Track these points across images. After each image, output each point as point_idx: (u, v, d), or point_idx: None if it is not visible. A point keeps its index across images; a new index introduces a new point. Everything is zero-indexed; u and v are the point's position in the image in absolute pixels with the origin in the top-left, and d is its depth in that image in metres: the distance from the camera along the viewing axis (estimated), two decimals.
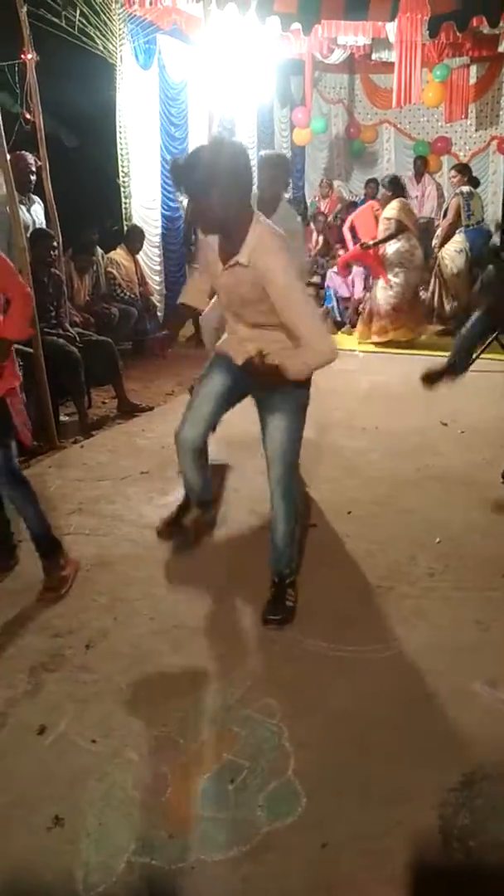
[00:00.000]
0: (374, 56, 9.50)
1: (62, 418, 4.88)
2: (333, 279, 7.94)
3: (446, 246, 7.45)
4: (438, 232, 7.88)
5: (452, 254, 7.39)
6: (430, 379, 4.17)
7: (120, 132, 7.23)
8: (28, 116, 5.06)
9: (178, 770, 2.07)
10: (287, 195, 4.09)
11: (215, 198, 2.26)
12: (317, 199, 10.09)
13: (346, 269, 7.76)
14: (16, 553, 3.21)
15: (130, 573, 3.11)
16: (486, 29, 7.87)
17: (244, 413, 2.77)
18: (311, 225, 8.86)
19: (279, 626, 2.69)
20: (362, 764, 2.08)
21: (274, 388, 2.51)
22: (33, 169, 5.25)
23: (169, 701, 2.34)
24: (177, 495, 3.78)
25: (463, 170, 8.09)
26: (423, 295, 7.64)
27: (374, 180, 9.99)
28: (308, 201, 10.66)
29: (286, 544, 2.75)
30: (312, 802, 1.96)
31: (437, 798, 1.94)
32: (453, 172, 8.20)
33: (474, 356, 4.22)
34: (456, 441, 4.38)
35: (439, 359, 4.29)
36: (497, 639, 2.60)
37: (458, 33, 7.66)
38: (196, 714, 2.28)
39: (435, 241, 7.74)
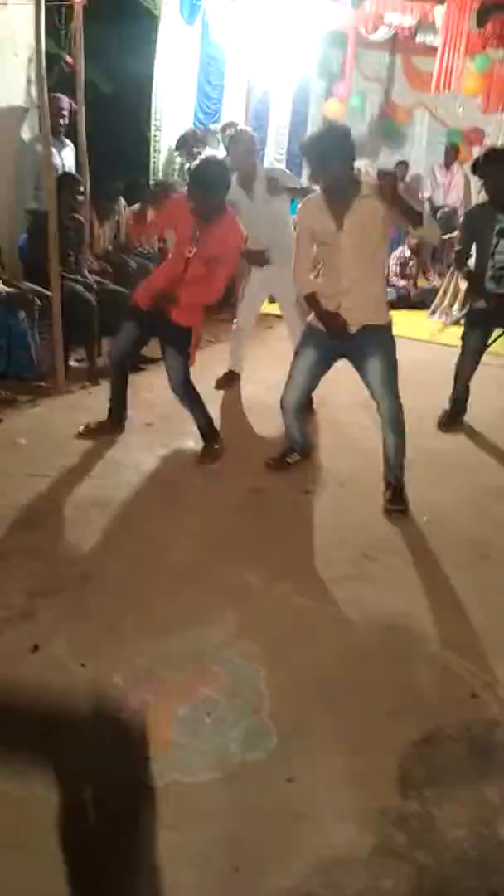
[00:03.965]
0: (417, 38, 9.41)
1: (71, 363, 4.95)
2: None
3: None
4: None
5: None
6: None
7: (156, 86, 7.19)
8: (69, 60, 5.06)
9: (159, 698, 2.19)
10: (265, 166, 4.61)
11: (338, 161, 2.99)
12: None
13: None
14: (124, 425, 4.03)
15: (128, 516, 3.22)
16: None
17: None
18: None
19: (402, 514, 3.38)
20: (332, 713, 2.20)
21: (369, 339, 3.24)
22: (66, 112, 5.26)
23: (157, 636, 2.46)
24: (177, 448, 3.90)
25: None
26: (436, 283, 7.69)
27: (403, 162, 9.95)
28: None
29: (398, 457, 3.43)
30: (282, 742, 2.09)
31: (398, 751, 2.07)
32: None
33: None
34: (458, 428, 4.47)
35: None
36: (467, 616, 2.72)
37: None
38: (180, 650, 2.40)
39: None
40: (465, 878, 1.73)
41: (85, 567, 2.80)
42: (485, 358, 4.39)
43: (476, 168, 4.07)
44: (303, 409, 3.58)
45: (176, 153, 7.12)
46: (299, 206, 3.35)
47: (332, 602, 2.73)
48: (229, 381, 4.95)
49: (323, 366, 3.44)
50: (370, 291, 3.25)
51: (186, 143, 6.87)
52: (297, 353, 3.50)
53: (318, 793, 1.93)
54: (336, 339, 3.27)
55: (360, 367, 3.36)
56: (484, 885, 1.71)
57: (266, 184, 4.35)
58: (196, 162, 3.87)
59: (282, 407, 3.57)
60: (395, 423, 3.37)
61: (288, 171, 4.95)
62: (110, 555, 2.91)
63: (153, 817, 1.81)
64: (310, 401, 4.04)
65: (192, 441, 3.95)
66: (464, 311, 7.12)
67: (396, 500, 3.44)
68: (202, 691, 2.23)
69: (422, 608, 2.74)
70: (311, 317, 3.41)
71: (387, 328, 3.31)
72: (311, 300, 3.33)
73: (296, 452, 3.80)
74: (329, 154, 3.00)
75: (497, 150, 4.07)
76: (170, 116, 7.35)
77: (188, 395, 3.79)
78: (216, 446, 3.87)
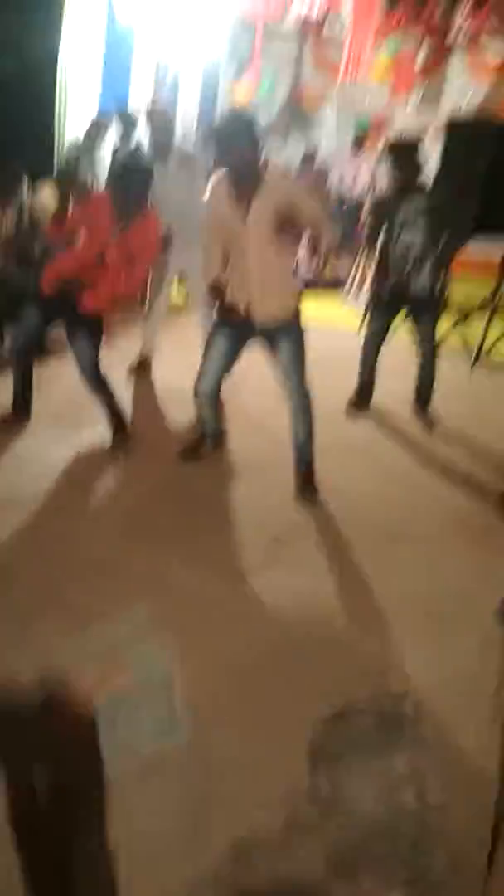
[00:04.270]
0: (325, 30, 9.50)
1: None
2: None
3: None
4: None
5: None
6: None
7: (61, 69, 7.01)
8: None
9: (68, 695, 2.16)
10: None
11: (243, 147, 2.98)
12: None
13: None
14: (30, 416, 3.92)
15: (38, 511, 3.16)
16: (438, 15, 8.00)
17: None
18: None
19: (311, 500, 3.45)
20: (245, 697, 2.25)
21: (278, 329, 3.27)
22: None
23: (71, 631, 2.41)
24: (88, 439, 3.84)
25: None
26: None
27: (311, 157, 10.05)
28: None
29: (308, 441, 3.49)
30: (197, 732, 2.07)
31: (309, 729, 2.12)
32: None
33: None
34: (366, 412, 4.57)
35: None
36: (377, 596, 2.80)
37: (416, 5, 7.68)
38: (92, 643, 2.37)
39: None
40: (376, 845, 1.80)
41: None
42: (392, 344, 4.50)
43: (387, 154, 4.16)
44: (217, 396, 3.59)
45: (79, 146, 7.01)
46: (208, 191, 3.33)
47: (244, 588, 2.76)
48: (142, 368, 4.91)
49: (234, 352, 3.45)
50: (278, 282, 3.26)
51: (97, 133, 6.77)
52: (208, 341, 3.50)
53: (233, 779, 1.96)
54: (244, 328, 3.30)
55: (269, 353, 3.40)
56: (393, 850, 1.78)
57: (180, 160, 4.45)
58: (119, 165, 3.92)
59: (196, 394, 3.56)
60: (302, 410, 3.42)
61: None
62: (22, 551, 2.86)
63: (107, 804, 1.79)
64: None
65: (103, 430, 3.90)
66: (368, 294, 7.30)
67: (307, 486, 3.51)
68: (116, 684, 2.22)
69: (332, 591, 2.81)
70: (217, 306, 3.42)
71: (296, 319, 3.34)
72: (216, 290, 3.32)
73: (208, 440, 3.81)
74: (233, 140, 3.00)
75: (402, 141, 4.17)
76: (75, 100, 7.19)
77: (98, 384, 3.73)
78: (124, 435, 3.84)
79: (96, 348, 3.65)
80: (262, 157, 3.14)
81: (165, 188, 4.29)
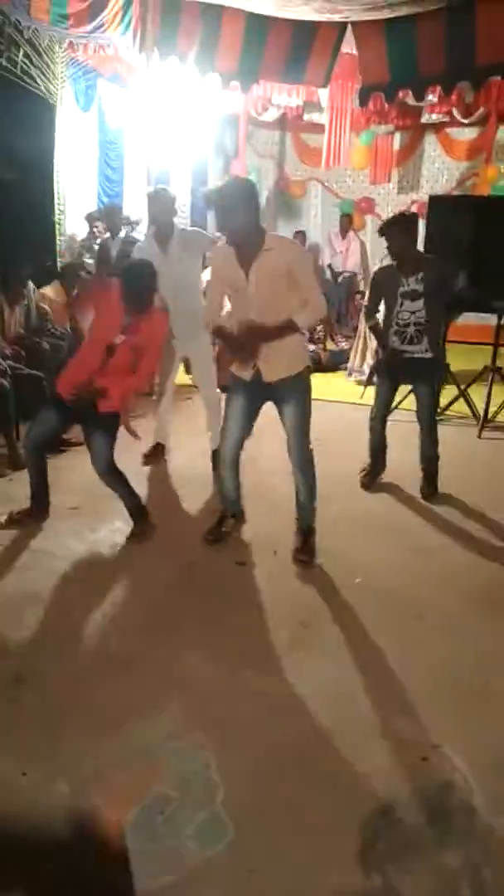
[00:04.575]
0: (305, 117, 9.97)
1: None
2: None
3: None
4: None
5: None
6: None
7: (57, 171, 7.33)
8: None
9: (108, 802, 2.11)
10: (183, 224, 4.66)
11: (244, 213, 3.10)
12: None
13: None
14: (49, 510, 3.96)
15: (61, 608, 3.13)
16: (410, 101, 8.42)
17: None
18: None
19: (310, 564, 3.51)
20: (287, 796, 2.16)
21: (285, 386, 3.37)
22: None
23: (100, 733, 2.37)
24: (106, 531, 3.84)
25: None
26: (344, 345, 7.96)
27: (301, 232, 10.40)
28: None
29: (309, 500, 3.57)
30: (239, 832, 2.03)
31: (357, 827, 2.05)
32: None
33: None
34: (378, 485, 4.58)
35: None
36: (409, 678, 2.74)
37: (386, 103, 8.15)
38: (127, 746, 2.33)
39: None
40: None
41: (18, 667, 2.69)
42: (401, 415, 4.56)
43: (381, 232, 4.29)
44: (237, 461, 3.62)
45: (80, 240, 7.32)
46: (211, 252, 3.45)
47: (274, 678, 2.70)
48: (156, 454, 4.94)
49: (250, 412, 3.52)
50: (282, 342, 3.29)
51: (98, 218, 7.12)
52: (226, 404, 3.57)
53: (280, 882, 1.89)
54: (255, 386, 3.39)
55: (278, 411, 3.49)
56: None
57: (181, 243, 4.49)
58: (128, 263, 4.03)
59: (218, 462, 3.70)
60: (304, 467, 3.50)
61: (201, 230, 5.14)
62: (44, 651, 2.81)
63: None
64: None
65: (121, 521, 3.90)
66: (372, 365, 7.43)
67: (304, 548, 3.58)
68: (152, 789, 2.16)
69: (362, 674, 2.75)
70: (233, 366, 3.49)
71: (303, 375, 3.42)
72: (218, 330, 3.41)
73: (229, 517, 3.82)
74: (232, 204, 3.10)
75: (400, 216, 4.32)
76: (73, 200, 7.50)
77: (114, 476, 3.76)
78: (146, 525, 3.84)
79: (111, 445, 3.69)
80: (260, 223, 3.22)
81: (169, 271, 4.40)
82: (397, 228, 4.20)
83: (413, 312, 4.23)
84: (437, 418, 4.57)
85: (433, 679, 2.72)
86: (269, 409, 3.55)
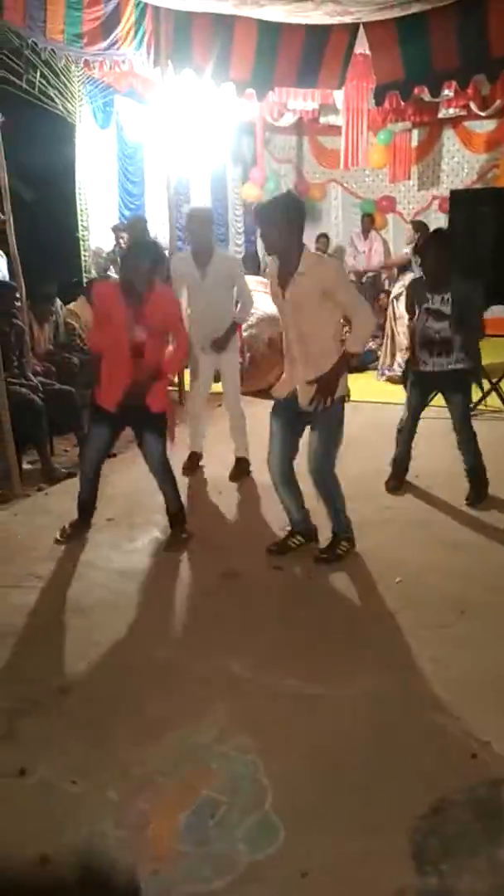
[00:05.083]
0: (321, 120, 9.99)
1: (25, 466, 4.92)
2: None
3: (401, 298, 7.58)
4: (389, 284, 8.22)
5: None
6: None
7: (79, 188, 7.44)
8: None
9: (158, 807, 2.13)
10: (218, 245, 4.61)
11: (278, 229, 3.15)
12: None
13: None
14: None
15: (103, 618, 3.16)
16: (426, 97, 8.39)
17: None
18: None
19: (326, 563, 3.53)
20: (335, 797, 2.16)
21: (322, 407, 3.32)
22: None
23: (146, 741, 2.39)
24: (143, 541, 3.88)
25: (419, 227, 8.48)
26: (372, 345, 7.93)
27: (324, 235, 10.39)
28: (261, 255, 11.00)
29: (332, 517, 3.61)
30: (290, 834, 2.03)
31: (408, 826, 2.03)
32: (409, 227, 8.59)
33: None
34: (408, 485, 4.56)
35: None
36: (453, 675, 2.72)
37: (402, 101, 8.13)
38: (173, 753, 2.34)
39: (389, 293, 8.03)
40: None
41: (65, 679, 2.73)
42: (429, 413, 4.53)
43: (415, 250, 4.30)
44: (288, 477, 3.60)
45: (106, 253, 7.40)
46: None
47: (317, 682, 2.70)
48: (193, 464, 4.96)
49: (293, 428, 3.51)
50: (319, 360, 3.29)
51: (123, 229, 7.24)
52: (270, 422, 3.58)
53: (334, 884, 1.88)
54: (294, 403, 3.42)
55: (310, 432, 3.48)
56: None
57: (218, 267, 4.48)
58: (122, 252, 4.02)
59: (241, 468, 3.73)
60: (319, 485, 3.52)
61: (236, 258, 5.12)
62: (90, 662, 2.85)
63: None
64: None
65: (158, 531, 3.93)
66: (402, 369, 7.39)
67: (326, 548, 3.64)
68: (202, 793, 2.18)
69: (409, 673, 2.74)
70: (273, 389, 3.59)
71: (338, 400, 3.38)
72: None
73: (298, 534, 3.74)
74: (267, 222, 3.18)
75: (435, 236, 4.32)
76: (95, 216, 7.59)
77: (168, 475, 3.83)
78: (183, 533, 3.87)
79: (164, 443, 3.76)
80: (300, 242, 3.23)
81: (205, 292, 4.45)
82: (429, 248, 4.22)
83: (438, 331, 4.18)
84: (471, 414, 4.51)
85: (478, 676, 2.70)
86: None
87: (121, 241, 7.53)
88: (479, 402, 5.93)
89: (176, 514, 3.87)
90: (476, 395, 4.95)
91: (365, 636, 3.00)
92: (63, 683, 2.70)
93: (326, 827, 2.06)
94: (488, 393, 5.96)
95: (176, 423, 3.93)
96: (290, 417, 3.47)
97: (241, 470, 4.77)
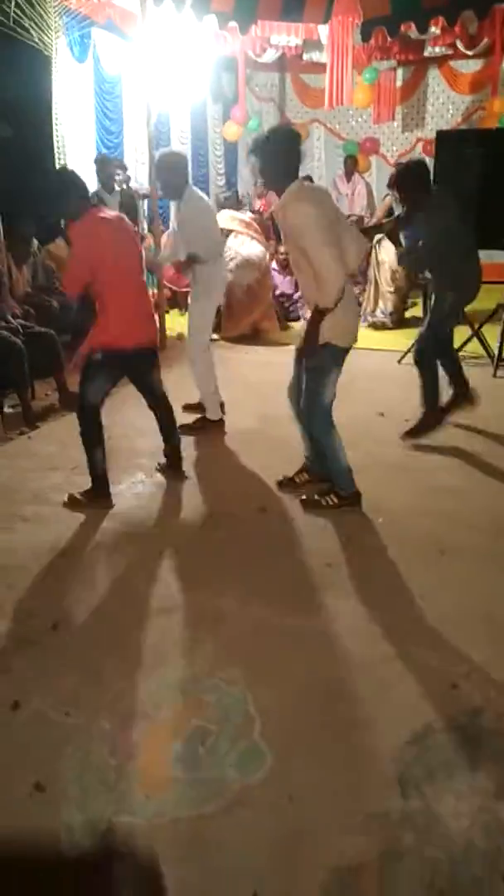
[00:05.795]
0: (305, 56, 9.71)
1: (6, 410, 4.88)
2: (274, 276, 7.94)
3: (384, 244, 7.51)
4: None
5: (391, 253, 7.47)
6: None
7: (56, 124, 7.20)
8: None
9: (150, 736, 2.19)
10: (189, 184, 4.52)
11: (265, 161, 3.16)
12: (251, 196, 10.22)
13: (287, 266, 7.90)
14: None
15: (91, 558, 3.19)
16: (413, 34, 8.18)
17: None
18: None
19: (306, 506, 3.60)
20: (322, 726, 2.24)
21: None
22: None
23: (137, 673, 2.45)
24: (126, 484, 3.88)
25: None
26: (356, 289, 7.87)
27: (308, 177, 10.17)
28: (241, 194, 10.78)
29: (327, 468, 3.61)
30: (277, 761, 2.10)
31: (393, 753, 2.11)
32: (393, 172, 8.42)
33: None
34: (395, 430, 4.58)
35: None
36: (435, 611, 2.80)
37: (388, 38, 7.92)
38: (164, 684, 2.40)
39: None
40: (476, 865, 1.79)
41: (55, 616, 2.76)
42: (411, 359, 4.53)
43: (389, 184, 4.24)
44: (299, 412, 3.63)
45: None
46: None
47: (303, 617, 2.76)
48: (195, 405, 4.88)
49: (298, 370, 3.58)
50: (310, 297, 3.30)
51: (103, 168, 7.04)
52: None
53: (320, 807, 1.96)
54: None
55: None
56: (495, 869, 1.77)
57: (189, 211, 4.41)
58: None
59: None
60: (309, 428, 3.60)
61: (206, 200, 5.00)
62: (80, 600, 2.88)
63: None
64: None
65: (142, 473, 3.94)
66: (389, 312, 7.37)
67: (312, 493, 3.68)
68: (192, 722, 2.24)
69: (389, 610, 2.81)
70: None
71: (319, 348, 3.29)
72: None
73: (305, 472, 3.85)
74: (259, 155, 3.19)
75: (406, 166, 4.26)
76: (73, 153, 7.37)
77: (169, 406, 3.91)
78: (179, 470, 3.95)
79: (158, 370, 3.80)
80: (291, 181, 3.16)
81: (189, 219, 4.40)
82: (404, 176, 4.16)
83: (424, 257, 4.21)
84: None
85: (458, 611, 2.78)
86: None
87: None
88: (461, 348, 5.95)
89: (174, 448, 3.92)
90: (458, 338, 4.95)
91: (349, 574, 3.06)
92: (53, 620, 2.73)
93: (312, 753, 2.13)
94: (469, 339, 5.97)
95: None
96: (299, 355, 3.54)
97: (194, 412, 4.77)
